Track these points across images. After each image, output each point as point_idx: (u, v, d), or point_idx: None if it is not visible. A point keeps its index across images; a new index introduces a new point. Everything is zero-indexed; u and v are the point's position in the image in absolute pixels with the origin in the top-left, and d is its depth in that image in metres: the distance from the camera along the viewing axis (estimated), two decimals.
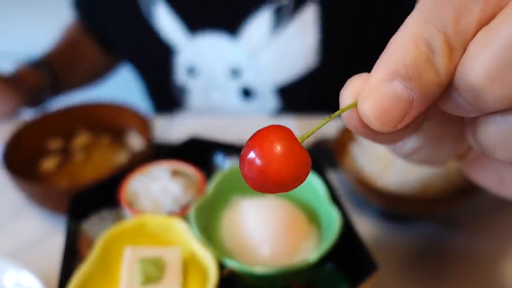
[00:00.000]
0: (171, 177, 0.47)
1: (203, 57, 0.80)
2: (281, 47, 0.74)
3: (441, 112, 0.21)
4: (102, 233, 0.42)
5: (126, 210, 0.45)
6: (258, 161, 0.19)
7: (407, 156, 0.27)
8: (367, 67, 0.20)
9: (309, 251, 0.43)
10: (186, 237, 0.42)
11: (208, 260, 0.39)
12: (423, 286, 0.50)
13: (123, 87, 1.06)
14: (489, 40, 0.17)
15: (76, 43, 0.88)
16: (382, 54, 0.19)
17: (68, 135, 0.71)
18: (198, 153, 0.53)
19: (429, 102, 0.19)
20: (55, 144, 0.69)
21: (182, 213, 0.45)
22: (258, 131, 0.19)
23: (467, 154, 0.30)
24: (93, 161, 0.67)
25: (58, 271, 0.40)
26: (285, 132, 0.19)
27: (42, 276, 0.55)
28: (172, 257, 0.40)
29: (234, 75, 0.79)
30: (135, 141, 0.69)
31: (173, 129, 0.77)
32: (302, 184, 0.19)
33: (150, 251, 0.40)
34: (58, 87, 0.78)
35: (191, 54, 0.80)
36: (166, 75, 0.84)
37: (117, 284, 0.40)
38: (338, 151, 0.63)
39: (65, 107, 0.72)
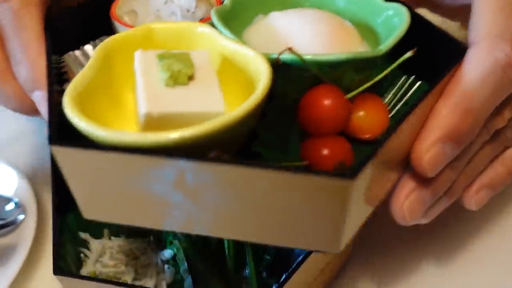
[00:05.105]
0: None
1: None
2: None
3: None
4: None
5: (123, 29, 0.34)
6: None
7: None
8: None
9: None
10: (213, 42, 0.31)
11: (252, 60, 0.28)
12: None
13: None
14: None
15: None
16: None
17: None
18: None
19: None
20: None
21: None
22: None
23: None
24: None
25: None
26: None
27: None
28: (199, 59, 0.29)
29: None
30: None
31: None
32: None
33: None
34: None
35: None
36: None
37: (126, 99, 0.29)
38: None
39: None
